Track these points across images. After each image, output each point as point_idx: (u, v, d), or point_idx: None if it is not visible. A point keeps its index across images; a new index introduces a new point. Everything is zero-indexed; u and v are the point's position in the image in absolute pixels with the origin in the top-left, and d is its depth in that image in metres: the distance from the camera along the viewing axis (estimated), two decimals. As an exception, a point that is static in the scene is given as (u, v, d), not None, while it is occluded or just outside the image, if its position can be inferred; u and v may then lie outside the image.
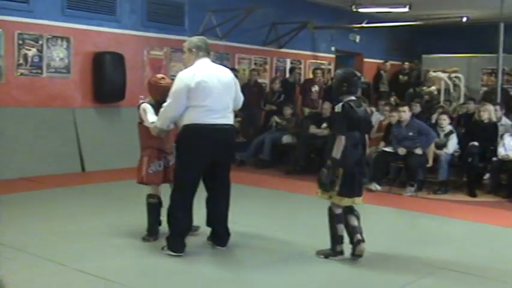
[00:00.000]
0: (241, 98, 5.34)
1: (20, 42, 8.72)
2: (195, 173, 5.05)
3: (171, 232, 5.09)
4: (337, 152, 4.89)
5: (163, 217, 5.38)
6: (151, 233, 5.44)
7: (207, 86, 4.92)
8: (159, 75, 5.67)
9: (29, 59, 8.85)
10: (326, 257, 5.10)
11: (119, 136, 9.62)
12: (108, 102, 9.75)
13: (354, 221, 5.12)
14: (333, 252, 5.10)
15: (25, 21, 8.74)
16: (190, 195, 5.07)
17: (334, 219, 5.06)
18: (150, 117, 5.27)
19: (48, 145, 8.85)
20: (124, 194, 7.40)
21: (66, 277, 4.50)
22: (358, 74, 5.30)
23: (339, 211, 5.06)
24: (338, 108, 4.98)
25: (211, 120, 4.95)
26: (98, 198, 7.34)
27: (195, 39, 5.21)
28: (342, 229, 5.08)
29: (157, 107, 5.30)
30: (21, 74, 8.79)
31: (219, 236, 5.32)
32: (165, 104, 5.04)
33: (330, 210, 5.08)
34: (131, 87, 9.78)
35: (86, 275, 4.51)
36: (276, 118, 10.80)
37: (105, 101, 9.72)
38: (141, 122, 5.41)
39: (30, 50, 8.85)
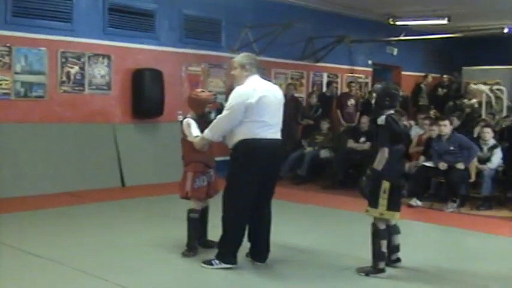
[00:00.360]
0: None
1: (63, 60, 8.92)
2: (253, 186, 5.07)
3: (227, 245, 5.12)
4: (378, 164, 4.92)
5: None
6: (192, 248, 5.45)
7: (267, 102, 5.02)
8: (198, 89, 5.76)
9: (72, 77, 9.05)
10: (367, 274, 5.02)
11: (158, 151, 9.73)
12: (147, 118, 9.88)
13: (397, 240, 5.15)
14: (375, 269, 5.03)
15: (68, 39, 8.96)
16: (249, 208, 5.11)
17: (378, 236, 5.02)
18: (194, 131, 5.32)
19: (89, 160, 9.00)
20: (164, 209, 7.45)
21: (108, 293, 4.55)
22: (398, 87, 5.34)
23: (383, 227, 5.03)
24: (381, 121, 5.00)
25: (268, 134, 5.03)
26: (138, 213, 7.40)
27: (246, 56, 5.29)
28: (385, 245, 5.03)
29: (199, 121, 5.38)
30: (64, 91, 8.99)
31: (259, 252, 5.31)
32: (220, 116, 5.08)
33: (375, 226, 5.04)
34: (170, 103, 9.90)
35: (127, 291, 4.54)
36: (305, 145, 10.74)
37: (145, 116, 9.85)
38: (184, 137, 5.45)
39: (72, 67, 9.05)
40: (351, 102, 12.38)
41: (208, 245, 5.53)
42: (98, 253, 5.52)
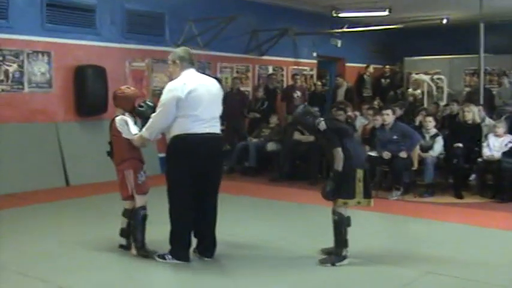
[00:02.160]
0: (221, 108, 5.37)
1: (0, 58, 8.64)
2: (187, 182, 5.05)
3: (175, 240, 5.13)
4: (338, 165, 5.00)
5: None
6: (145, 246, 5.33)
7: (198, 96, 4.99)
8: (122, 86, 5.62)
9: (10, 75, 8.77)
10: (333, 264, 5.07)
11: (102, 149, 9.40)
12: (91, 116, 9.67)
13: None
14: (339, 256, 5.10)
15: (5, 37, 8.67)
16: (189, 204, 5.10)
17: (343, 223, 5.09)
18: (132, 129, 5.24)
19: (31, 161, 8.76)
20: (108, 208, 7.31)
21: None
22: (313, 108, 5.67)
23: (347, 214, 5.12)
24: (322, 126, 5.15)
25: (201, 129, 5.00)
26: (82, 212, 7.26)
27: (179, 50, 5.26)
28: (347, 232, 5.12)
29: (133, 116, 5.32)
30: (2, 90, 8.70)
31: (206, 247, 5.29)
32: (154, 115, 5.05)
33: (339, 214, 5.09)
34: (114, 100, 9.71)
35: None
36: (250, 139, 10.72)
37: (88, 114, 9.64)
38: (116, 135, 5.30)
39: (11, 66, 8.77)
40: (297, 94, 12.43)
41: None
42: (41, 255, 5.39)
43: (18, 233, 6.21)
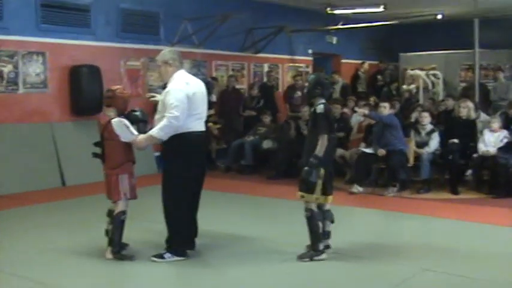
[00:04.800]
0: None
1: (-5, 59, 8.64)
2: (191, 179, 5.19)
3: (176, 238, 5.18)
4: (320, 150, 5.02)
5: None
6: (121, 249, 5.31)
7: (198, 95, 5.17)
8: (117, 87, 5.53)
9: (5, 76, 8.76)
10: (311, 259, 5.10)
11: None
12: (86, 115, 9.66)
13: (329, 227, 5.26)
14: (316, 251, 5.12)
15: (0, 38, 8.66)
16: (190, 200, 5.23)
17: (315, 218, 5.13)
18: (134, 130, 5.20)
19: (27, 161, 8.75)
20: (104, 208, 7.31)
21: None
22: (329, 78, 5.56)
23: (316, 210, 5.16)
24: (320, 109, 5.12)
25: (199, 127, 5.19)
26: (78, 213, 7.25)
27: (167, 52, 5.34)
28: (321, 227, 5.15)
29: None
30: (-3, 91, 8.70)
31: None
32: (170, 116, 4.95)
33: (309, 210, 5.13)
34: (109, 99, 9.69)
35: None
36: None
37: (83, 114, 9.63)
38: (111, 139, 5.18)
39: (5, 66, 8.76)
40: (298, 94, 12.32)
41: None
42: (35, 256, 5.40)
43: (12, 234, 6.20)
